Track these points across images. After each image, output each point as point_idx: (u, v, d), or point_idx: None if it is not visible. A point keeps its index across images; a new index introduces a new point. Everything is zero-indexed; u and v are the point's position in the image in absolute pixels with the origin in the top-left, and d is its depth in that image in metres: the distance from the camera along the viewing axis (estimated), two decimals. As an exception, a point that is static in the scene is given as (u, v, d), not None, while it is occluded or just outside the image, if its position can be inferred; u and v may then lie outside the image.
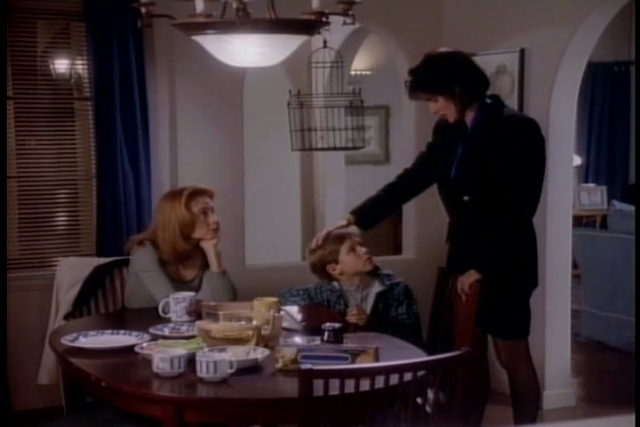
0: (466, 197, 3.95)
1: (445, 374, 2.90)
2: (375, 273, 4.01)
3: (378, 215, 4.23)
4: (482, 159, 3.91)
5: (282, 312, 3.64)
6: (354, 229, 4.13)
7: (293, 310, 3.78)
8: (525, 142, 3.86)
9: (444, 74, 3.88)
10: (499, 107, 3.98)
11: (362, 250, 3.96)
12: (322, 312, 3.80)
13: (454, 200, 4.03)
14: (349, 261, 3.95)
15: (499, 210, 3.86)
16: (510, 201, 3.85)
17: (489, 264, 3.88)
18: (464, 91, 3.87)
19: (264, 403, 2.96)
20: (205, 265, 4.12)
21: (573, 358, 5.40)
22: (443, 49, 4.11)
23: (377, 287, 3.96)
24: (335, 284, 3.98)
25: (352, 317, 3.77)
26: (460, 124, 3.96)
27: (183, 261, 4.10)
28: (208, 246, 4.07)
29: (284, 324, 3.59)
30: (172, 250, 4.02)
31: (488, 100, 3.97)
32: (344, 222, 4.13)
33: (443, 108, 3.91)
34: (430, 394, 2.94)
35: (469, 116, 3.95)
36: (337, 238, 4.00)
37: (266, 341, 3.33)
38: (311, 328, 3.56)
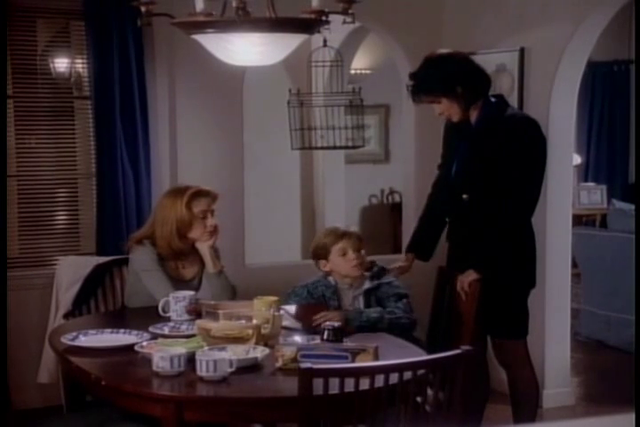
0: (465, 196, 3.96)
1: (445, 373, 2.90)
2: (370, 270, 3.97)
3: (432, 242, 4.19)
4: (482, 158, 3.92)
5: (281, 311, 3.64)
6: (355, 227, 4.10)
7: (293, 309, 3.78)
8: (525, 142, 3.87)
9: (444, 75, 3.89)
10: (502, 106, 3.98)
11: (352, 255, 3.88)
12: (320, 311, 3.78)
13: (454, 199, 4.03)
14: (338, 264, 3.91)
15: (498, 209, 3.87)
16: (509, 201, 3.85)
17: (488, 264, 3.88)
18: (466, 90, 3.88)
19: (264, 402, 2.96)
20: (204, 264, 4.12)
21: (573, 357, 5.40)
22: (441, 50, 4.11)
23: (366, 285, 3.92)
24: (330, 279, 3.96)
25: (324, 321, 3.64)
26: (466, 123, 3.97)
27: (181, 258, 4.10)
28: (202, 247, 4.07)
29: (284, 323, 3.59)
30: (168, 246, 4.03)
31: (492, 99, 3.98)
32: (405, 263, 4.13)
33: (446, 108, 3.92)
34: (430, 393, 2.94)
35: (473, 115, 3.96)
36: (336, 236, 3.95)
37: (266, 339, 3.33)
38: (308, 326, 3.57)
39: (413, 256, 4.17)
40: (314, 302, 3.89)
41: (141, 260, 4.04)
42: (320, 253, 3.93)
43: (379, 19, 5.50)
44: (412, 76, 4.00)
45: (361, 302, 3.89)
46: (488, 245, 3.89)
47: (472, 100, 3.92)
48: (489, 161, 3.89)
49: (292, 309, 3.76)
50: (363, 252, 3.92)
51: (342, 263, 3.89)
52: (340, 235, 3.94)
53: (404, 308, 3.79)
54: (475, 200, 3.95)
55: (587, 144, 9.75)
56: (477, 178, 3.93)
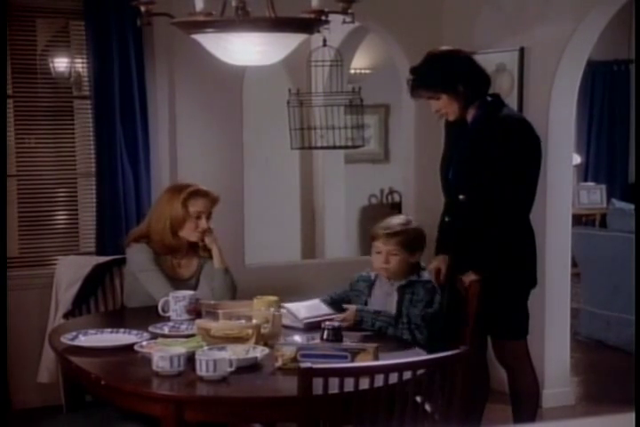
0: (461, 196, 3.95)
1: (445, 373, 2.90)
2: (411, 268, 3.79)
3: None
4: (477, 158, 3.91)
5: (283, 310, 3.63)
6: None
7: (294, 307, 3.77)
8: (516, 143, 3.86)
9: (447, 72, 3.88)
10: (498, 106, 3.98)
11: (381, 258, 3.76)
12: (321, 310, 3.77)
13: (452, 199, 4.03)
14: (372, 259, 3.82)
15: (493, 210, 3.86)
16: (503, 201, 3.85)
17: (487, 265, 3.88)
18: (467, 89, 3.87)
19: (263, 401, 2.96)
20: (202, 264, 4.12)
21: (573, 356, 5.40)
22: (444, 47, 4.11)
23: (400, 282, 3.76)
24: (372, 274, 3.86)
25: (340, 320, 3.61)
26: (462, 123, 3.97)
27: (176, 256, 4.09)
28: (209, 242, 4.07)
29: (285, 321, 3.59)
30: (161, 242, 4.03)
31: (489, 99, 3.97)
32: (441, 265, 4.00)
33: (445, 106, 3.91)
34: (430, 393, 2.94)
35: (470, 115, 3.95)
36: (375, 234, 3.79)
37: (265, 339, 3.33)
38: (312, 326, 3.56)
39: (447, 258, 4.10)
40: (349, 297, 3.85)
41: (138, 260, 4.04)
42: (371, 237, 3.85)
43: (378, 18, 5.50)
44: (414, 70, 3.97)
45: (394, 299, 3.75)
46: (487, 246, 3.88)
47: (472, 100, 3.91)
48: (484, 161, 3.88)
49: (293, 307, 3.74)
50: (396, 258, 3.74)
51: (374, 260, 3.81)
52: (378, 234, 3.79)
53: (422, 320, 3.61)
54: (472, 200, 3.94)
55: (586, 144, 9.75)
56: (473, 178, 3.92)
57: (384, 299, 3.80)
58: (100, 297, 4.28)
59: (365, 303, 3.80)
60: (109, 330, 3.55)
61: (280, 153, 7.23)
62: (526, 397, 4.09)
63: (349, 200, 8.37)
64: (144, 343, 3.32)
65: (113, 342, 3.41)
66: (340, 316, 3.64)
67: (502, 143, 3.85)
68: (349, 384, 2.74)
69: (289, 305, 3.74)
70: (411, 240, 3.78)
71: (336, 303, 3.87)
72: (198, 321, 3.43)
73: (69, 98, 5.13)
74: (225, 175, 5.17)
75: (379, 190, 9.34)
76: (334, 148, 6.07)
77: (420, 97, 3.99)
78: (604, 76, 9.64)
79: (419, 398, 2.91)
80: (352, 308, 3.68)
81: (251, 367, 3.11)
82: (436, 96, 3.90)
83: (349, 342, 3.29)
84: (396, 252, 3.76)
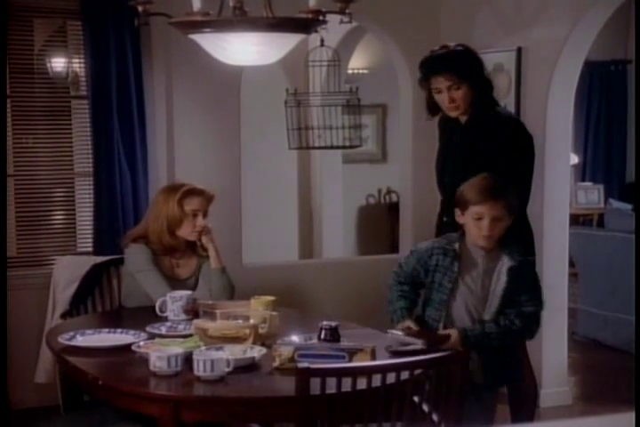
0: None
1: (442, 373, 2.90)
2: (504, 243, 3.36)
3: None
4: (472, 157, 3.90)
5: (389, 334, 3.33)
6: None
7: (400, 334, 3.34)
8: (510, 141, 3.86)
9: (476, 60, 3.87)
10: (492, 104, 3.98)
11: (486, 225, 3.27)
12: (425, 333, 3.41)
13: (449, 198, 4.02)
14: (469, 227, 3.34)
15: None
16: None
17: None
18: (482, 84, 3.88)
19: (261, 401, 2.96)
20: (201, 264, 4.12)
21: (570, 356, 5.40)
22: (454, 43, 4.09)
23: (507, 262, 3.34)
24: (456, 245, 3.39)
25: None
26: (457, 121, 3.97)
27: (174, 256, 4.10)
28: (206, 241, 4.07)
29: (401, 348, 3.28)
30: (159, 242, 4.04)
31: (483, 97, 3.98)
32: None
33: (462, 97, 3.85)
34: (427, 393, 2.93)
35: (466, 114, 3.95)
36: (480, 196, 3.30)
37: (263, 339, 3.33)
38: (429, 346, 3.26)
39: None
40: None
41: (136, 260, 4.04)
42: (459, 204, 3.41)
43: (376, 18, 5.50)
44: (442, 55, 3.89)
45: (500, 282, 3.37)
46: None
47: (480, 97, 3.89)
48: (478, 160, 3.88)
49: (399, 335, 3.33)
50: (502, 225, 3.30)
51: (473, 228, 3.32)
52: (485, 197, 3.30)
53: (524, 320, 3.46)
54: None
55: (584, 144, 9.75)
56: (468, 177, 3.91)
57: (480, 282, 3.39)
58: (98, 297, 4.28)
59: (454, 285, 3.37)
60: (107, 330, 3.56)
61: (278, 153, 7.23)
62: (524, 396, 4.09)
63: (347, 200, 8.37)
64: (141, 343, 3.32)
65: (110, 342, 3.41)
66: (449, 345, 3.29)
67: (496, 142, 3.85)
68: (347, 384, 2.75)
69: (395, 331, 3.38)
70: (514, 203, 3.36)
71: (409, 284, 3.52)
72: (196, 321, 3.43)
73: (67, 98, 5.12)
74: (222, 175, 5.16)
75: (376, 190, 9.34)
76: (332, 148, 6.08)
77: (442, 82, 3.85)
78: (602, 76, 9.65)
79: (416, 398, 2.92)
80: (453, 332, 3.34)
81: (248, 367, 3.11)
82: (458, 85, 3.85)
83: (347, 341, 3.29)
84: (502, 217, 3.29)
